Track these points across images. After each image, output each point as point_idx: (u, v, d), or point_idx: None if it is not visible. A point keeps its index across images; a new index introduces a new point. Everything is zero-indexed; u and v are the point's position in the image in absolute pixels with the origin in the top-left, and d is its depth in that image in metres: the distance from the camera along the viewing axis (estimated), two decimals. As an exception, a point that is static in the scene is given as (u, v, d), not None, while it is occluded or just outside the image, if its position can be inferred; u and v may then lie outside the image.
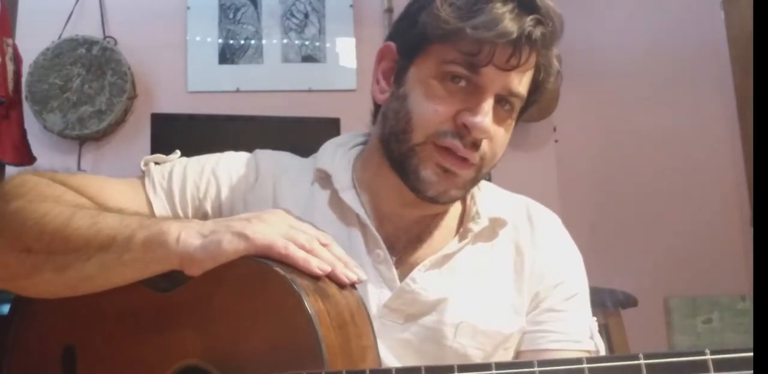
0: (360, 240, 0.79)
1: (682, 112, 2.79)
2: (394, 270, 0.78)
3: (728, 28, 2.78)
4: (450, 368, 0.52)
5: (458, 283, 0.79)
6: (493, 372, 0.50)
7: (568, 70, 2.91)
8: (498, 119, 0.75)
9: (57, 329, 0.73)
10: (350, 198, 0.80)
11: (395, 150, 0.76)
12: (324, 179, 0.82)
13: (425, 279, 0.77)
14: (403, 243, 0.81)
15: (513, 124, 0.79)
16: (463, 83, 0.73)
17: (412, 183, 0.76)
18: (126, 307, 0.70)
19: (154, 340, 0.67)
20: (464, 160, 0.74)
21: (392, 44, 0.80)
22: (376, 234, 0.78)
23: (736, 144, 2.76)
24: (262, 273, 0.62)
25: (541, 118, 2.53)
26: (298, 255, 0.63)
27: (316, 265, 0.63)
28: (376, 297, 0.76)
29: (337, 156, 0.84)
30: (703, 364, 0.44)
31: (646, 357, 0.46)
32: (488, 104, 0.73)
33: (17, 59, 2.05)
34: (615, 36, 2.85)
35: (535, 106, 2.59)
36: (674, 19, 2.84)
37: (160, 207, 0.79)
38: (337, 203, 0.80)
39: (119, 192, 0.79)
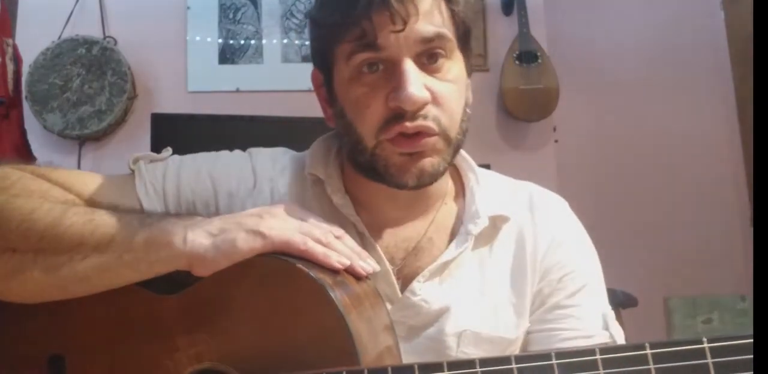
0: None
1: (682, 112, 2.80)
2: (395, 281, 0.75)
3: (728, 28, 2.78)
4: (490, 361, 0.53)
5: (459, 290, 0.76)
6: (513, 366, 0.50)
7: (569, 70, 2.91)
8: (431, 72, 0.70)
9: (41, 338, 0.67)
10: (345, 207, 0.76)
11: (362, 161, 0.73)
12: (317, 183, 0.78)
13: (425, 290, 0.75)
14: (402, 254, 0.77)
15: (456, 65, 0.72)
16: (380, 67, 0.69)
17: (390, 182, 0.72)
18: (122, 313, 0.65)
19: (159, 347, 0.63)
20: (418, 135, 0.69)
21: (315, 69, 0.78)
22: (375, 243, 0.75)
23: (736, 144, 2.76)
24: (283, 270, 0.60)
25: (541, 118, 2.53)
26: (318, 250, 0.62)
27: (336, 259, 0.62)
28: None
29: (329, 159, 0.80)
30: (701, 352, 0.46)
31: (652, 346, 0.47)
32: (408, 72, 0.67)
33: (17, 59, 2.05)
34: (615, 36, 2.85)
35: (534, 105, 2.58)
36: (674, 19, 2.84)
37: (151, 209, 0.74)
38: (332, 212, 0.76)
39: (108, 190, 0.74)
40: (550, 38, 2.61)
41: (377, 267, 0.66)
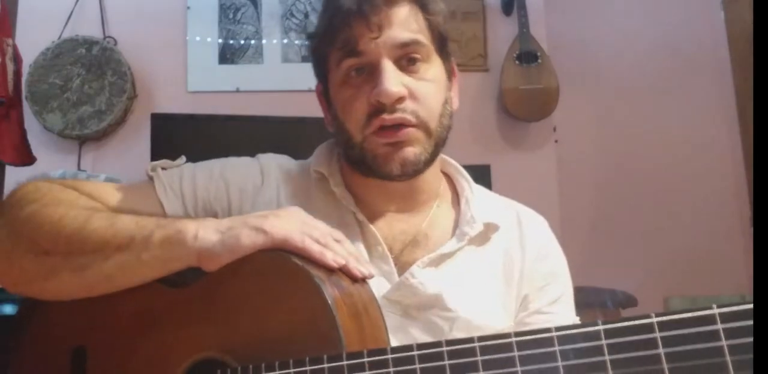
0: (359, 238, 0.81)
1: (682, 112, 2.80)
2: (393, 264, 0.80)
3: (728, 28, 2.78)
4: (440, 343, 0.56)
5: (453, 281, 0.81)
6: (476, 344, 0.55)
7: (569, 70, 2.91)
8: (409, 73, 0.78)
9: (66, 331, 0.73)
10: (346, 198, 0.83)
11: (353, 156, 0.81)
12: (321, 181, 0.85)
13: (423, 275, 0.79)
14: (399, 246, 0.83)
15: (434, 67, 0.81)
16: (365, 70, 0.78)
17: (378, 172, 0.79)
18: (139, 306, 0.70)
19: (169, 336, 0.67)
20: (399, 126, 0.77)
21: (318, 82, 0.87)
22: (374, 230, 0.81)
23: (736, 144, 2.76)
24: (279, 263, 0.64)
25: (541, 118, 2.53)
26: (314, 248, 0.65)
27: (331, 258, 0.65)
28: (375, 288, 0.77)
29: (333, 160, 0.87)
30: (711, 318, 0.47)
31: (605, 323, 0.50)
32: (385, 70, 0.76)
33: (17, 59, 2.04)
34: (615, 36, 2.85)
35: (534, 105, 2.63)
36: (674, 19, 2.85)
37: (171, 210, 0.81)
38: (334, 204, 0.83)
39: (130, 196, 0.81)
40: (550, 38, 2.61)
41: (373, 273, 0.69)
